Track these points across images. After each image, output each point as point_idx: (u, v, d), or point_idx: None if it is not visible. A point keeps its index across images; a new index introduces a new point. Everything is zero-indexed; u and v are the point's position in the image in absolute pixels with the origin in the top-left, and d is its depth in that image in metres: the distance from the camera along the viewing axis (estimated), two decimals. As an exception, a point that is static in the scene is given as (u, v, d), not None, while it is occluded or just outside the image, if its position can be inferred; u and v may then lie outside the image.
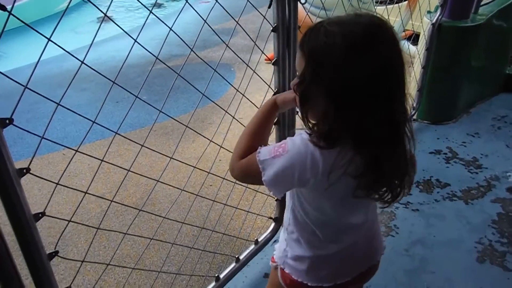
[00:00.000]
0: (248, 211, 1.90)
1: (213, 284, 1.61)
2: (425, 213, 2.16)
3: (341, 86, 0.74)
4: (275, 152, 0.84)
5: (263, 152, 0.86)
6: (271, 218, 1.86)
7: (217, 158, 1.68)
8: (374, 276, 1.12)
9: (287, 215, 1.04)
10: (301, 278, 1.04)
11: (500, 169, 2.48)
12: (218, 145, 1.48)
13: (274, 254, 1.12)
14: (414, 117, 2.96)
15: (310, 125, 0.82)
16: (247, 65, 1.42)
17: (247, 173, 0.92)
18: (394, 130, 0.80)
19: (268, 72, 1.68)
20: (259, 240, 1.79)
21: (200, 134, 1.52)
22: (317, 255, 1.02)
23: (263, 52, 1.43)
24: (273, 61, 1.43)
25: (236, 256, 1.70)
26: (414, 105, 2.83)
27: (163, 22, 1.11)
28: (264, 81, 1.51)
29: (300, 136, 0.84)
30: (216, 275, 1.62)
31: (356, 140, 0.78)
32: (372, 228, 1.08)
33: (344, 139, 0.78)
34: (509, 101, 3.27)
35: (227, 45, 1.33)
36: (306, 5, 1.45)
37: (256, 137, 0.97)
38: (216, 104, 1.47)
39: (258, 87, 1.67)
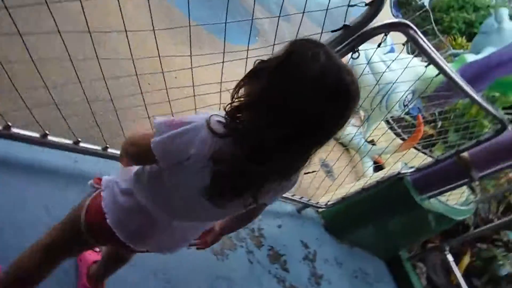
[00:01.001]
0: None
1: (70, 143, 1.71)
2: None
3: (279, 93, 0.81)
4: (171, 122, 0.89)
5: (159, 119, 0.91)
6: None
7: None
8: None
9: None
10: (108, 210, 1.06)
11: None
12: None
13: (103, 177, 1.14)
14: (320, 209, 3.17)
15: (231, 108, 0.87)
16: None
17: (136, 139, 1.01)
18: (279, 158, 0.84)
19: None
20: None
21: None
22: (143, 204, 1.04)
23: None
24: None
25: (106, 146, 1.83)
26: (328, 202, 3.05)
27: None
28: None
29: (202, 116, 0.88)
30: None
31: (245, 138, 0.83)
32: (196, 230, 1.19)
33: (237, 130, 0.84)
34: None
35: None
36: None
37: None
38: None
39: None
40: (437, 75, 1.88)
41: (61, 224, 1.21)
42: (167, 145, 0.89)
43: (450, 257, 3.57)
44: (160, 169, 0.98)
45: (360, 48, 1.55)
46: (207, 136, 0.86)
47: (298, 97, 0.80)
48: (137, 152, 1.02)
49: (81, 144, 1.73)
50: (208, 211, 1.00)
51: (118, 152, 1.85)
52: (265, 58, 0.88)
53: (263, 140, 0.82)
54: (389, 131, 4.28)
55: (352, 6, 1.44)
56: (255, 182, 0.90)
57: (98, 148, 1.80)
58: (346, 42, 1.53)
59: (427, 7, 10.29)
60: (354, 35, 1.49)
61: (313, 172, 2.69)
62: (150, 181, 1.03)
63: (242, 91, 0.88)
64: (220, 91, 1.70)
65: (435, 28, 8.70)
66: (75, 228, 1.12)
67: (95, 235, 1.13)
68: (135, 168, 1.09)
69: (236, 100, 0.87)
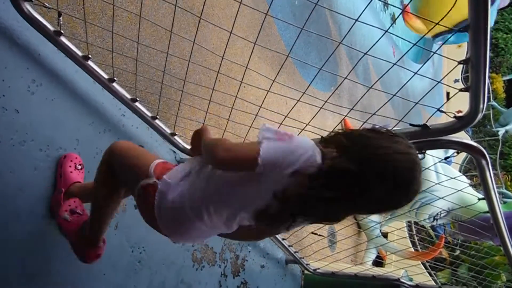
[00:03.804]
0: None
1: (128, 97, 1.77)
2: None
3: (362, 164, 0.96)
4: (280, 133, 1.00)
5: (269, 125, 1.01)
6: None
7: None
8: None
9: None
10: (158, 205, 1.14)
11: None
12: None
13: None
14: (306, 272, 3.10)
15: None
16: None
17: (237, 147, 1.04)
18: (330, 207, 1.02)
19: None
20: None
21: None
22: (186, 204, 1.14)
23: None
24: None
25: (156, 116, 1.87)
26: (318, 269, 2.98)
27: None
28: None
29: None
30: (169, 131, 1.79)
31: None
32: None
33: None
34: None
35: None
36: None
37: None
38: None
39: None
40: (484, 212, 1.82)
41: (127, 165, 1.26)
42: (278, 157, 0.97)
43: None
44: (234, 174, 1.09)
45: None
46: (312, 159, 0.98)
47: (377, 178, 0.95)
48: (234, 158, 1.03)
49: (136, 104, 1.77)
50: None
51: (163, 126, 1.90)
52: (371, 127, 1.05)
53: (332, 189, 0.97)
54: (407, 235, 4.16)
55: (442, 112, 1.42)
56: (308, 214, 1.06)
57: (149, 114, 1.84)
58: (417, 140, 1.50)
59: (500, 137, 10.07)
60: (429, 138, 1.47)
61: (320, 235, 2.64)
62: (211, 182, 1.12)
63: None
64: (280, 124, 1.71)
65: (498, 161, 8.48)
66: (134, 179, 1.21)
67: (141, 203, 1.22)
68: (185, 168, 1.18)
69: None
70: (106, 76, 1.64)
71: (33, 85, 1.49)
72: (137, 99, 1.77)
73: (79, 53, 1.55)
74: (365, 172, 0.95)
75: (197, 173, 1.17)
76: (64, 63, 1.58)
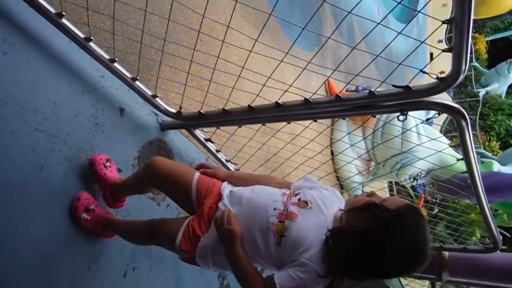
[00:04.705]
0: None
1: (106, 58, 1.71)
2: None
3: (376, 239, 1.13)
4: None
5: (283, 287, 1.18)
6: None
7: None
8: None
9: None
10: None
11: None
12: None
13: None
14: None
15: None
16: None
17: None
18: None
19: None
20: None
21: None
22: None
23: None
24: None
25: (136, 77, 1.82)
26: None
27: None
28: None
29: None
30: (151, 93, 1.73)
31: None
32: None
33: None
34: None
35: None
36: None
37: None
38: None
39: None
40: (462, 173, 1.87)
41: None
42: None
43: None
44: None
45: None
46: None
47: (389, 248, 1.11)
48: None
49: (115, 64, 1.72)
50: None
51: (144, 87, 1.86)
52: (378, 202, 1.18)
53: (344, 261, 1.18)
54: (388, 195, 4.26)
55: (424, 73, 1.42)
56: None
57: (128, 75, 1.79)
58: (399, 101, 1.51)
59: (480, 98, 10.22)
60: (411, 99, 1.47)
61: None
62: None
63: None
64: (263, 85, 1.69)
65: (478, 121, 8.65)
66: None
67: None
68: None
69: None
70: (82, 35, 1.58)
71: (5, 44, 1.42)
72: (116, 59, 1.71)
73: (52, 10, 1.48)
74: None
75: None
76: (37, 21, 1.51)
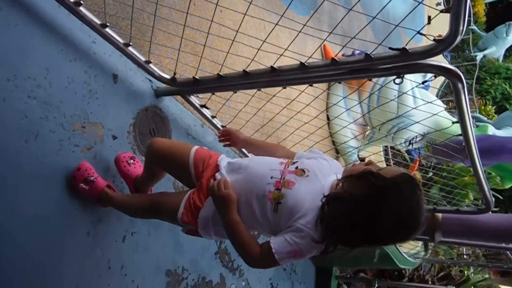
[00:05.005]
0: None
1: (97, 23, 1.67)
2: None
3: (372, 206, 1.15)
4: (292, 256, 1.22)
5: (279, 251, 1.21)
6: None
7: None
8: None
9: None
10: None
11: None
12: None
13: None
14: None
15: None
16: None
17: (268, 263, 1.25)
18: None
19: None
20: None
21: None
22: None
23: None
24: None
25: (129, 43, 1.78)
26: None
27: None
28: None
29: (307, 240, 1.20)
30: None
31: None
32: None
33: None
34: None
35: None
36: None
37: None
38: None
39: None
40: (457, 135, 1.88)
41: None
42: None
43: (375, 294, 3.71)
44: None
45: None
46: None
47: (384, 216, 1.13)
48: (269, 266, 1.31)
49: (107, 29, 1.68)
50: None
51: (137, 53, 1.83)
52: (374, 170, 1.20)
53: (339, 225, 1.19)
54: (383, 159, 4.30)
55: (422, 34, 1.40)
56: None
57: (121, 41, 1.75)
58: (396, 64, 1.49)
59: (477, 62, 10.14)
60: (407, 62, 1.45)
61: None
62: None
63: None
64: (258, 49, 1.66)
65: (474, 85, 8.61)
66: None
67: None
68: None
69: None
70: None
71: (-8, 9, 1.39)
72: (108, 24, 1.67)
73: (39, -27, 1.43)
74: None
75: None
76: (23, -16, 1.46)
